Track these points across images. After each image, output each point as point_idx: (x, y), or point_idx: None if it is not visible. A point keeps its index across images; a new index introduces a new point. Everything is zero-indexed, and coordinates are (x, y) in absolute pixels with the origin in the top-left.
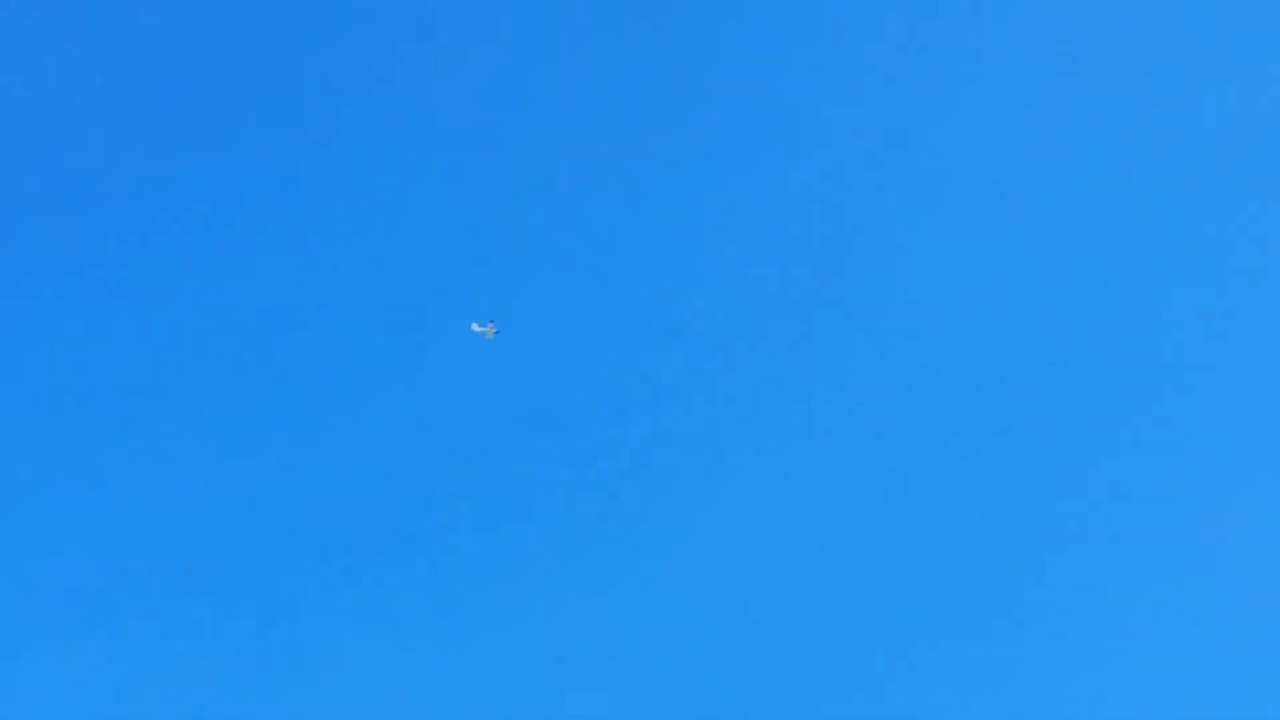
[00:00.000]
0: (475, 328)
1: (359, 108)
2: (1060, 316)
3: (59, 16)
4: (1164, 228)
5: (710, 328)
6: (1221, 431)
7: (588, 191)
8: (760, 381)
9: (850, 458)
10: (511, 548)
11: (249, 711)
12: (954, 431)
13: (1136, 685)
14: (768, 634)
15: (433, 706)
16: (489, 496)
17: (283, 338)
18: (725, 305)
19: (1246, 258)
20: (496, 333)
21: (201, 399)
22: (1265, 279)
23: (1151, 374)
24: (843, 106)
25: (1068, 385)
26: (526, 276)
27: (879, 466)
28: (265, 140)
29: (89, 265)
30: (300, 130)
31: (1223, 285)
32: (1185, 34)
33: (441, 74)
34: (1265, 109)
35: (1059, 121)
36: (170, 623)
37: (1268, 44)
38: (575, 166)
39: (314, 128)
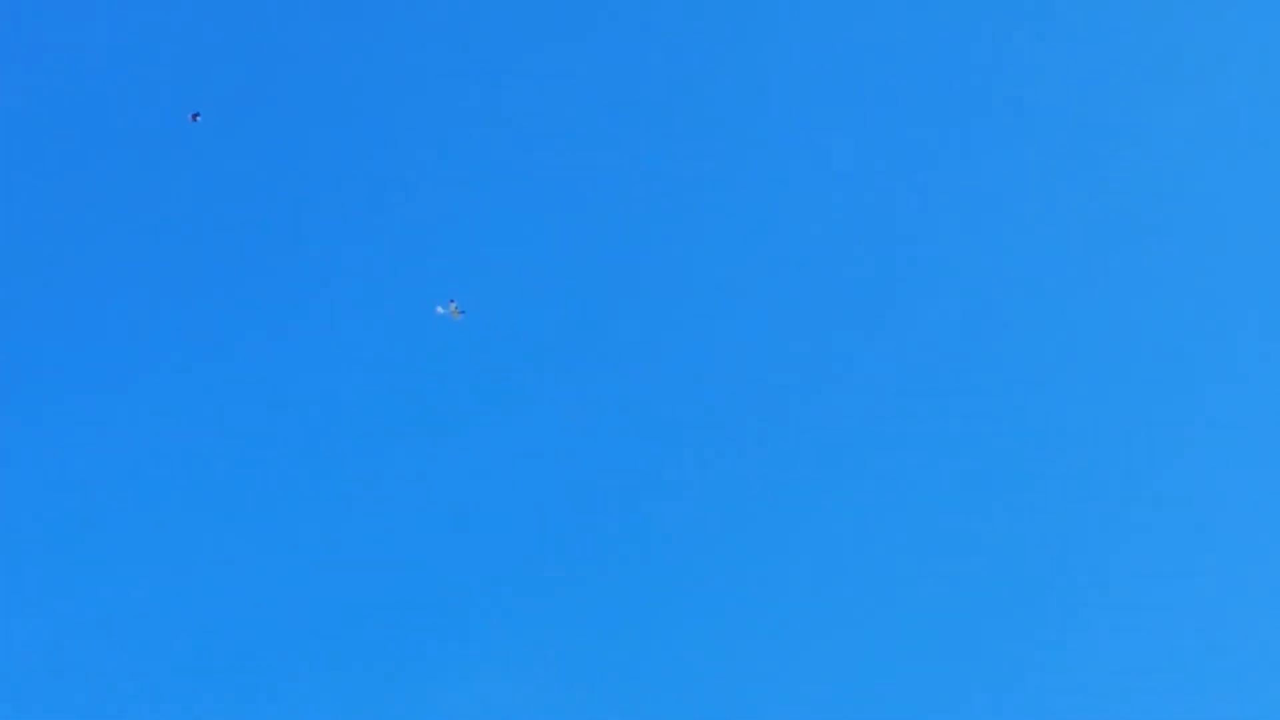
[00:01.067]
0: (439, 310)
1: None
2: (1062, 319)
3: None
4: (1164, 229)
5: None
6: (1222, 433)
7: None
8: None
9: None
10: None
11: None
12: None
13: (1138, 686)
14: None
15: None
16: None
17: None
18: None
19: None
20: (462, 313)
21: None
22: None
23: (1154, 374)
24: (844, 109)
25: (1071, 389)
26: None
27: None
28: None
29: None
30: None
31: (1223, 286)
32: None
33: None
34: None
35: (1059, 123)
36: None
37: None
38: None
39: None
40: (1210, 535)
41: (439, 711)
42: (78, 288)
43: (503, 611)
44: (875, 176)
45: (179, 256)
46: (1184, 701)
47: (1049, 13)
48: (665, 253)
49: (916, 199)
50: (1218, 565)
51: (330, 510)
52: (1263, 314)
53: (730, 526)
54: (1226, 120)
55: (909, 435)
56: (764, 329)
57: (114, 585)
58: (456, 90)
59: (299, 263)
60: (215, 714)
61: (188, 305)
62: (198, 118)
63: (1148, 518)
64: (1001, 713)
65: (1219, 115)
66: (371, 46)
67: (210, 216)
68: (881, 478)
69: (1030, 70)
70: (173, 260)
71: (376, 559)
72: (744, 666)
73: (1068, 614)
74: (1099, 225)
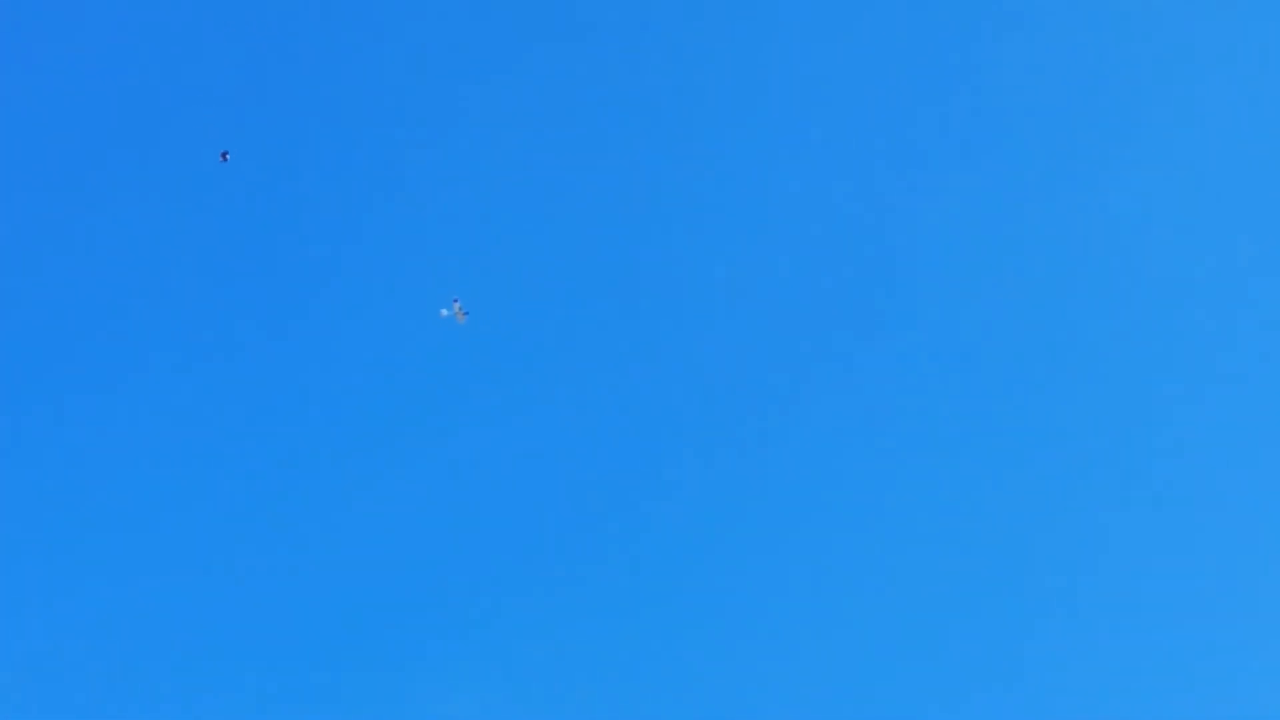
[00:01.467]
0: (444, 313)
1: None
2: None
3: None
4: (1164, 230)
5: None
6: (1222, 433)
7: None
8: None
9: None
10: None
11: None
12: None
13: (1137, 686)
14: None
15: None
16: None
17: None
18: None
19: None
20: (467, 314)
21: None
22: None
23: (1154, 376)
24: (842, 110)
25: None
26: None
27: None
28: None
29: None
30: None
31: (1223, 286)
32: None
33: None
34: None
35: (1062, 124)
36: None
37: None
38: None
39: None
40: (1196, 534)
41: (436, 711)
42: (87, 288)
43: (496, 612)
44: (870, 178)
45: (177, 259)
46: (1170, 699)
47: (1044, 13)
48: (663, 255)
49: (911, 200)
50: (1205, 564)
51: (325, 511)
52: (1251, 316)
53: (723, 528)
54: (1224, 122)
55: (901, 436)
56: (754, 332)
57: (112, 585)
58: (458, 93)
59: (296, 265)
60: (213, 714)
61: (183, 308)
62: (227, 156)
63: (1137, 518)
64: (995, 711)
65: (1216, 117)
66: (372, 47)
67: (214, 218)
68: (871, 478)
69: (1022, 72)
70: (171, 262)
71: (370, 560)
72: (739, 666)
73: (1058, 615)
74: (1093, 227)
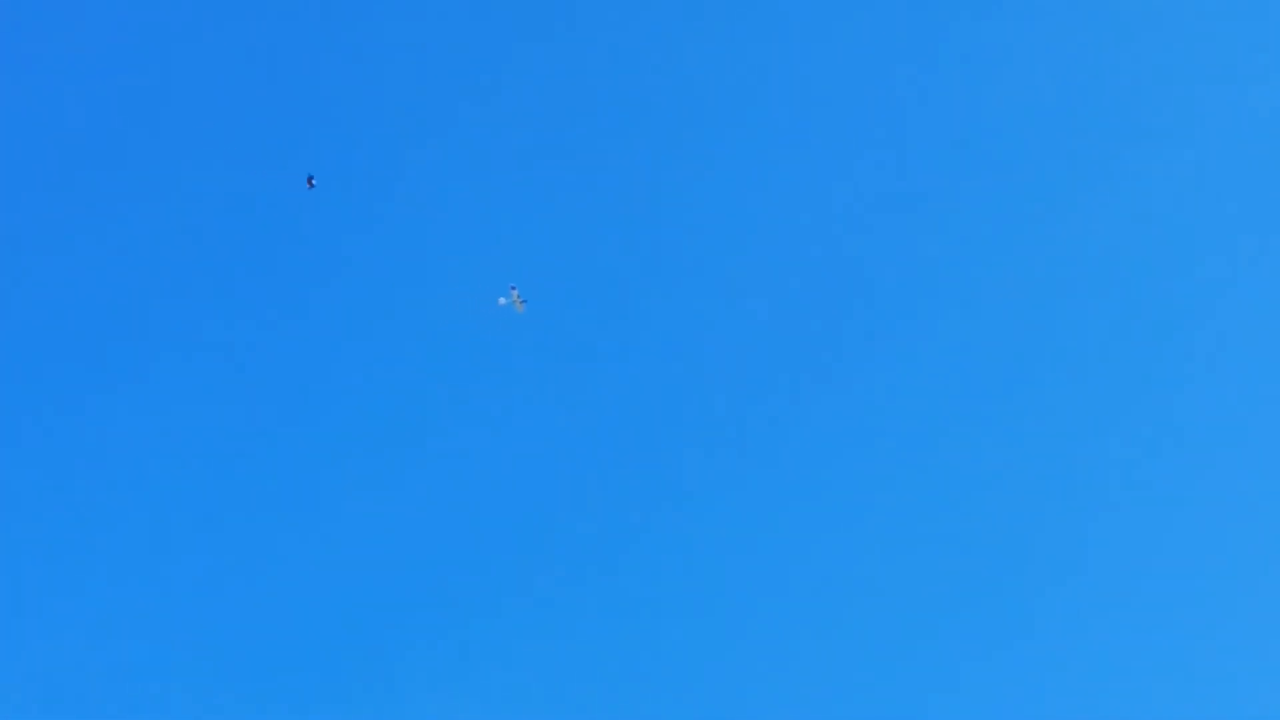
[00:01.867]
0: (501, 301)
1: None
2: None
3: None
4: (1163, 229)
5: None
6: (1222, 432)
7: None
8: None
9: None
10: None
11: None
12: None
13: (1136, 685)
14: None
15: None
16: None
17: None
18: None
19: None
20: (525, 302)
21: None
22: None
23: (1153, 376)
24: (842, 111)
25: (1070, 388)
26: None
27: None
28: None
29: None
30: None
31: (1222, 285)
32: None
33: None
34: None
35: (1061, 124)
36: None
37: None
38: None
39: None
40: (1191, 533)
41: (435, 712)
42: (114, 287)
43: (495, 613)
44: (869, 179)
45: (179, 262)
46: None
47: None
48: (663, 256)
49: (909, 201)
50: (1203, 563)
51: (325, 510)
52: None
53: (721, 529)
54: (1224, 125)
55: (897, 437)
56: (752, 333)
57: (112, 585)
58: (467, 97)
59: (300, 265)
60: (213, 714)
61: (182, 312)
62: (313, 182)
63: (1129, 517)
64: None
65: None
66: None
67: (220, 220)
68: (866, 480)
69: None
70: (174, 264)
71: (369, 559)
72: (737, 666)
73: (1053, 615)
74: (1089, 228)
